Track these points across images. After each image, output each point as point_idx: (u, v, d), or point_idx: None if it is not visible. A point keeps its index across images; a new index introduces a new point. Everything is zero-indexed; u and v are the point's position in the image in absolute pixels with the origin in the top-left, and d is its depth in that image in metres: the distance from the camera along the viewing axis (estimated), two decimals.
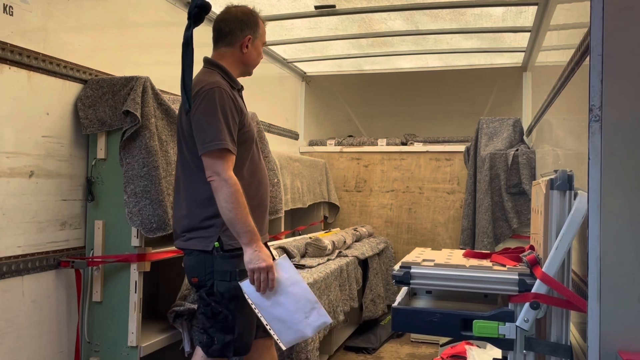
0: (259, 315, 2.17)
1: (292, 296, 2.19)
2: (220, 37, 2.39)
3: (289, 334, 2.18)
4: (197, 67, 2.29)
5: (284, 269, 2.22)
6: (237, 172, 2.21)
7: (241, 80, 2.47)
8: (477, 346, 2.92)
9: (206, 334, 2.26)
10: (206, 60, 2.39)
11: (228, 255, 2.22)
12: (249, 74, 2.49)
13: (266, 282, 2.14)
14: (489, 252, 2.18)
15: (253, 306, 2.17)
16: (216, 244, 2.20)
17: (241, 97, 2.43)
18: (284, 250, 3.59)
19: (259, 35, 2.41)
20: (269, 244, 2.64)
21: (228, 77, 2.34)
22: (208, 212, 2.22)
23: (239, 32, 2.36)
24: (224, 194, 2.11)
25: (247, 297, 2.17)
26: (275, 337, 2.17)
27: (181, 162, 2.33)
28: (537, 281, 1.62)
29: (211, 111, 2.16)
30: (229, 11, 2.41)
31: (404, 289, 2.01)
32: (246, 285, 2.17)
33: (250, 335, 2.32)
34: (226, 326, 2.22)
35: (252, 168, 2.34)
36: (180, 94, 2.17)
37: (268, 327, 2.17)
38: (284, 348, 2.19)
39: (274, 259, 2.24)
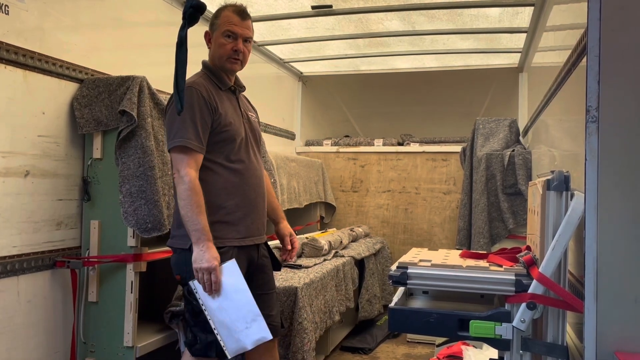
0: (207, 317, 2.15)
1: (235, 303, 2.14)
2: None
3: (232, 342, 2.15)
4: (191, 67, 2.29)
5: (231, 274, 2.15)
6: (214, 170, 2.24)
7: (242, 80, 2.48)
8: (474, 346, 2.92)
9: (190, 333, 2.27)
10: (202, 62, 2.42)
11: None
12: (228, 70, 2.37)
13: (209, 283, 2.11)
14: (485, 252, 2.18)
15: (203, 307, 2.15)
16: None
17: (236, 97, 2.42)
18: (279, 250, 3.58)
19: (216, 27, 2.33)
20: (270, 243, 2.61)
21: (215, 77, 2.34)
22: None
23: (207, 30, 2.39)
24: (179, 190, 2.14)
25: (197, 296, 2.15)
26: (222, 343, 2.14)
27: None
28: (534, 282, 1.62)
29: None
30: None
31: (400, 289, 2.01)
32: (197, 284, 2.14)
33: None
34: (208, 326, 2.18)
35: (236, 167, 2.31)
36: None
37: (215, 332, 2.14)
38: (229, 357, 2.16)
39: (222, 263, 2.17)
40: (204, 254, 2.11)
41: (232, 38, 2.31)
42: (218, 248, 2.17)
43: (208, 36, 2.38)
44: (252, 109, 2.58)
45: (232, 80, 2.43)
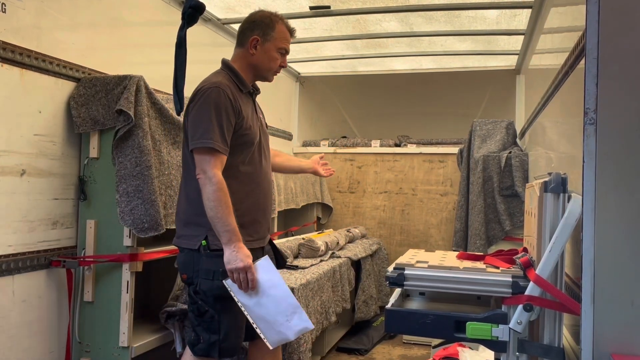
0: (245, 313, 2.17)
1: (273, 298, 2.17)
2: (237, 37, 2.39)
3: (273, 335, 2.17)
4: (190, 67, 2.29)
5: (265, 271, 2.18)
6: (231, 173, 2.21)
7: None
8: (470, 348, 2.92)
9: (194, 332, 2.27)
10: (221, 61, 2.38)
11: (213, 255, 2.20)
12: (265, 79, 2.42)
13: (246, 282, 2.12)
14: (482, 254, 2.19)
15: (239, 304, 2.16)
16: (203, 242, 2.20)
17: (253, 100, 2.42)
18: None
19: (270, 38, 2.32)
20: (275, 241, 2.64)
21: (237, 79, 2.31)
22: (197, 209, 2.21)
23: (249, 32, 2.33)
24: (207, 192, 2.11)
25: (232, 294, 2.16)
26: (262, 336, 2.16)
27: (182, 160, 2.35)
28: (531, 283, 1.62)
29: (205, 110, 2.15)
30: (251, 13, 2.40)
31: (397, 291, 2.01)
32: (231, 283, 2.16)
33: (238, 337, 2.30)
34: (212, 326, 2.21)
35: (250, 170, 2.32)
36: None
37: (254, 326, 2.16)
38: (270, 348, 2.18)
39: (255, 260, 2.20)
40: (237, 254, 2.11)
41: (282, 55, 2.37)
42: (222, 250, 2.17)
43: (255, 42, 2.32)
44: (261, 111, 2.58)
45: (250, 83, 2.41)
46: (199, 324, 2.24)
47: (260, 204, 2.38)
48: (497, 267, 1.87)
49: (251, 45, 2.32)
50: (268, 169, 2.46)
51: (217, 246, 2.18)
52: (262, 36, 2.32)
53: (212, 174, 2.11)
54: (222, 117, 2.16)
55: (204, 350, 2.23)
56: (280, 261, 2.59)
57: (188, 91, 2.28)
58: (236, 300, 2.16)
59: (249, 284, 2.13)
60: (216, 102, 2.15)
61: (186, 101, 2.27)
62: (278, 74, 2.45)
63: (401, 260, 2.02)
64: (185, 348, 2.36)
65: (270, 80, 2.44)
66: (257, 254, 2.35)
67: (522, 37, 4.23)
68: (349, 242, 4.77)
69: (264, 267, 2.19)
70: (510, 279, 1.69)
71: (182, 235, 2.29)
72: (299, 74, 5.83)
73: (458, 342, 2.89)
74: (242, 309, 2.16)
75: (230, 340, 2.25)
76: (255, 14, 2.38)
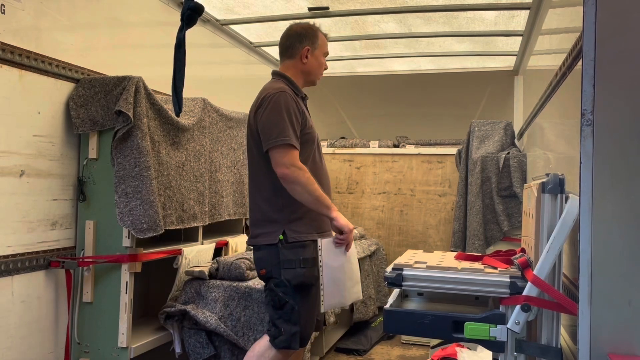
0: (321, 273, 2.38)
1: (352, 265, 2.51)
2: (283, 51, 2.61)
3: (334, 299, 2.42)
4: (189, 68, 2.29)
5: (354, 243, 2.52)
6: None
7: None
8: (468, 348, 2.93)
9: (274, 326, 2.36)
10: (273, 72, 2.62)
11: (291, 246, 2.36)
12: (313, 83, 2.68)
13: (349, 242, 2.43)
14: (480, 254, 2.19)
15: (321, 263, 2.38)
16: (280, 236, 2.36)
17: (305, 104, 2.59)
18: None
19: (317, 46, 2.60)
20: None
21: (292, 86, 2.52)
22: (275, 206, 2.41)
23: (298, 44, 2.57)
24: (301, 180, 2.31)
25: (320, 252, 2.38)
26: (322, 298, 2.37)
27: (250, 162, 2.53)
28: (528, 284, 1.62)
29: (277, 112, 2.35)
30: (290, 28, 2.63)
31: (395, 291, 2.01)
32: (325, 242, 2.41)
33: (312, 327, 2.47)
34: (292, 317, 2.33)
35: (313, 168, 2.47)
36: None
37: (321, 287, 2.37)
38: (322, 310, 2.39)
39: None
40: (344, 219, 2.40)
41: (325, 59, 2.68)
42: (302, 242, 2.38)
43: (307, 51, 2.57)
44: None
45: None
46: (280, 316, 2.35)
47: None
48: (495, 268, 1.88)
49: (304, 55, 2.57)
50: (326, 167, 2.67)
51: (295, 239, 2.37)
52: (311, 45, 2.58)
53: (299, 165, 2.32)
54: (292, 117, 2.37)
55: (286, 342, 2.33)
56: None
57: (187, 92, 2.29)
58: (320, 258, 2.38)
59: (349, 245, 2.45)
60: (286, 105, 2.37)
61: (185, 102, 2.28)
62: None
63: (399, 260, 2.02)
64: (255, 344, 2.45)
65: (316, 84, 2.70)
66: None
67: (520, 38, 4.24)
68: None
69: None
70: (508, 280, 1.70)
71: (259, 234, 2.44)
72: None
73: (456, 342, 2.90)
74: (322, 268, 2.38)
75: (307, 330, 2.42)
76: (297, 27, 2.61)
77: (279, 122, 2.34)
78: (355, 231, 5.06)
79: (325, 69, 2.70)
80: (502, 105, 5.32)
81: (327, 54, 2.70)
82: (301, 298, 2.36)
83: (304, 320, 2.38)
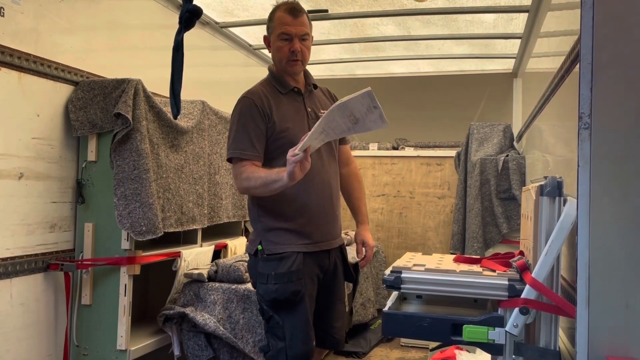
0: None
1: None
2: None
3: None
4: (188, 70, 2.29)
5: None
6: None
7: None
8: (467, 351, 2.93)
9: (265, 339, 2.30)
10: (269, 68, 2.43)
11: (267, 259, 2.22)
12: (287, 72, 2.32)
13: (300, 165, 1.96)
14: (479, 257, 2.19)
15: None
16: (259, 246, 2.25)
17: (300, 98, 2.35)
18: None
19: (271, 30, 2.31)
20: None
21: (275, 81, 2.34)
22: (253, 215, 2.32)
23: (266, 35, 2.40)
24: (252, 184, 2.14)
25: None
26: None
27: None
28: (527, 287, 1.62)
29: (232, 121, 2.26)
30: None
31: (394, 294, 2.01)
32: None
33: (304, 344, 2.20)
34: (278, 332, 2.20)
35: None
36: None
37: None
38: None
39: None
40: (287, 173, 1.97)
41: (288, 40, 2.26)
42: (279, 254, 2.20)
43: (267, 40, 2.37)
44: (328, 105, 2.38)
45: (298, 81, 2.38)
46: (267, 330, 2.27)
47: (312, 205, 2.28)
48: (494, 271, 1.88)
49: (267, 45, 2.38)
50: (323, 166, 2.32)
51: (270, 250, 2.22)
52: (267, 31, 2.36)
53: (244, 176, 2.16)
54: (248, 125, 2.20)
55: (273, 358, 2.22)
56: (347, 273, 2.48)
57: (186, 95, 2.28)
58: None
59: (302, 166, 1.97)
60: (240, 112, 2.23)
61: (184, 104, 2.29)
62: (300, 60, 2.30)
63: (398, 263, 2.02)
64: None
65: (293, 72, 2.33)
66: (320, 259, 2.31)
67: (519, 40, 4.24)
68: (347, 245, 4.77)
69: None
70: (507, 282, 1.70)
71: (249, 240, 2.36)
72: None
73: (455, 345, 2.90)
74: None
75: (296, 347, 2.18)
76: None
77: (230, 132, 2.23)
78: (353, 233, 5.05)
79: (293, 52, 2.26)
80: (501, 107, 5.33)
81: (287, 34, 2.25)
82: (286, 313, 2.19)
83: (290, 335, 2.18)
